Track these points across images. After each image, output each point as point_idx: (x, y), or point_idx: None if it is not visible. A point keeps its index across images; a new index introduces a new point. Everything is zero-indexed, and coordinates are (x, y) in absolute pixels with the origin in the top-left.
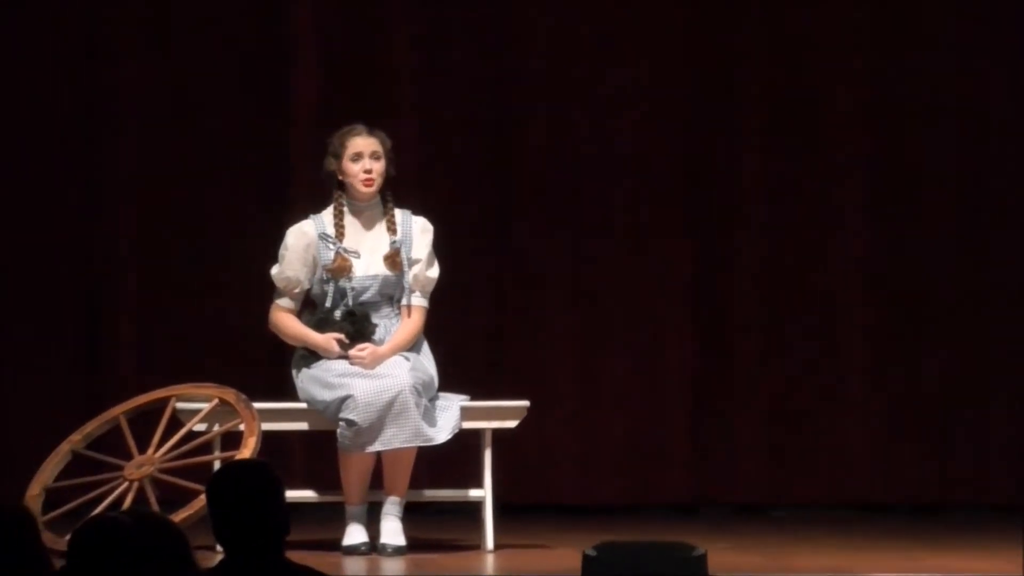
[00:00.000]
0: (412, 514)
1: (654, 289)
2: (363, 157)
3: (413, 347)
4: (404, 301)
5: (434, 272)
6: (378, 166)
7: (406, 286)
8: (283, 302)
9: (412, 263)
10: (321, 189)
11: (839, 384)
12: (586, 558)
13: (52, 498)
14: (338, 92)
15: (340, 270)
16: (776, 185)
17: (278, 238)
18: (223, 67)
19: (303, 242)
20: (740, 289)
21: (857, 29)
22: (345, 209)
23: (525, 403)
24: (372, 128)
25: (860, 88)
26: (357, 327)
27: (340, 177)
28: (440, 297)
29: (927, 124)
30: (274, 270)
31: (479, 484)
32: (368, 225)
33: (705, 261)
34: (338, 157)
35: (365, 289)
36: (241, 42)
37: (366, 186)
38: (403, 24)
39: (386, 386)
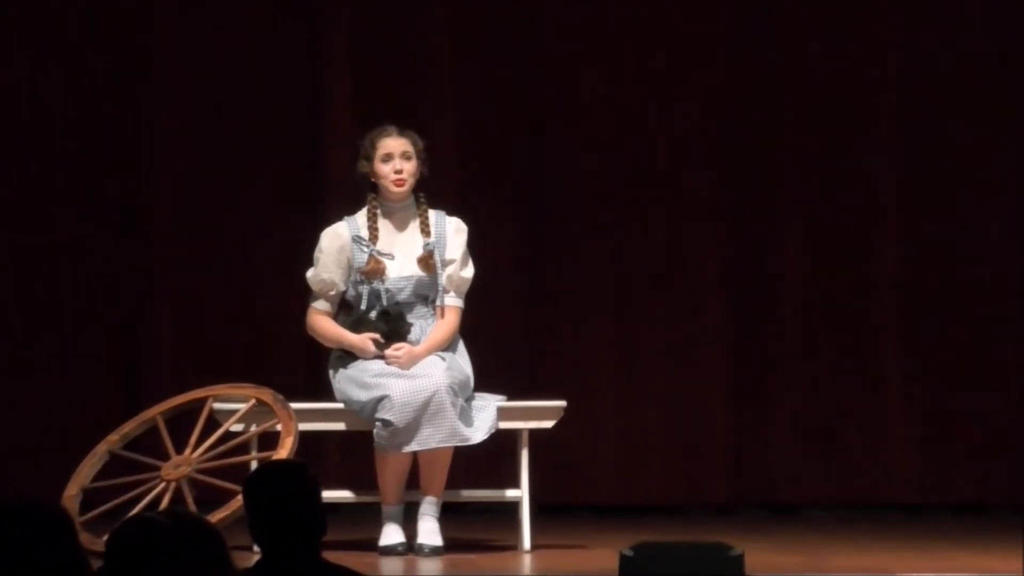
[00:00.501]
0: (449, 514)
1: (691, 289)
2: (394, 157)
3: (449, 347)
4: (438, 302)
5: (468, 272)
6: (409, 166)
7: (440, 287)
8: (319, 304)
9: (446, 264)
10: (356, 191)
11: (876, 384)
12: (623, 558)
13: (89, 499)
14: (373, 94)
15: (373, 272)
16: (815, 183)
17: (315, 240)
18: (257, 71)
19: (337, 244)
20: (778, 290)
21: (894, 22)
22: (378, 211)
23: (562, 403)
24: (403, 128)
25: (899, 80)
26: (392, 327)
27: (372, 179)
28: (476, 297)
29: (966, 117)
30: (309, 273)
31: (516, 484)
32: (401, 226)
33: (742, 262)
34: (369, 159)
35: (399, 290)
36: (275, 45)
37: (397, 186)
38: (439, 26)
39: (422, 386)
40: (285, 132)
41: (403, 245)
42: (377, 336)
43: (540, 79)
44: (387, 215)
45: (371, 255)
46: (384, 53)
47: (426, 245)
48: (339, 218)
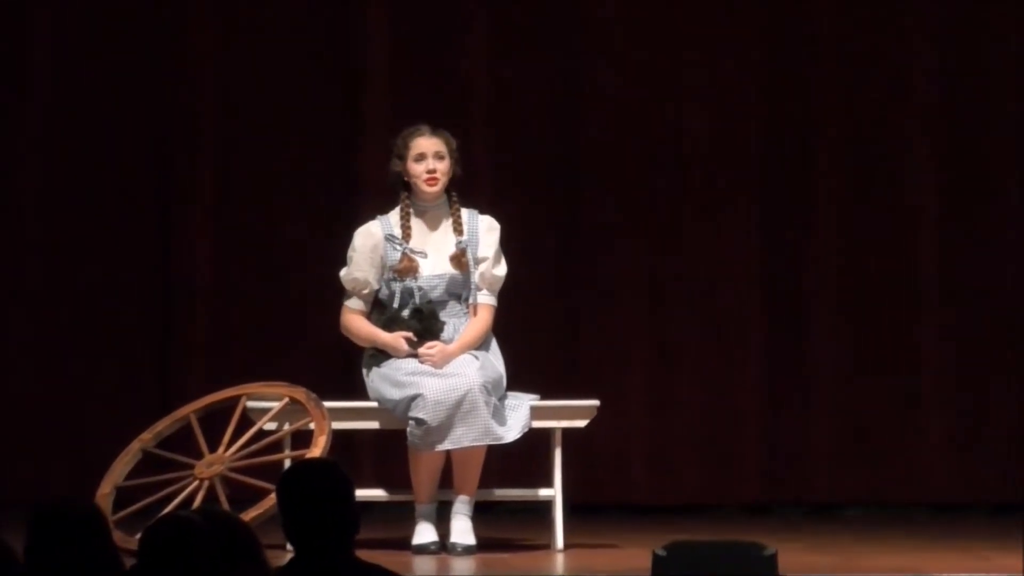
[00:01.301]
0: (482, 513)
1: (726, 288)
2: (427, 157)
3: (482, 345)
4: (471, 300)
5: (501, 270)
6: (442, 165)
7: (473, 285)
8: (352, 303)
9: (478, 262)
10: (389, 191)
11: (911, 383)
12: (656, 558)
13: (122, 497)
14: (408, 94)
15: (406, 271)
16: (851, 180)
17: (349, 239)
18: (294, 68)
19: (370, 243)
20: (813, 288)
21: (932, 24)
22: (411, 210)
23: (595, 402)
24: (436, 128)
25: (937, 81)
26: (425, 325)
27: (405, 178)
28: (510, 295)
29: (1004, 118)
30: (343, 272)
31: (549, 483)
32: (434, 225)
33: (778, 259)
34: (402, 158)
35: (432, 288)
36: (312, 43)
37: (429, 185)
38: (475, 24)
39: (455, 385)
40: (320, 132)
41: (436, 243)
42: (410, 335)
43: (574, 76)
44: (420, 214)
45: (404, 253)
46: (422, 53)
47: (459, 243)
48: (372, 217)
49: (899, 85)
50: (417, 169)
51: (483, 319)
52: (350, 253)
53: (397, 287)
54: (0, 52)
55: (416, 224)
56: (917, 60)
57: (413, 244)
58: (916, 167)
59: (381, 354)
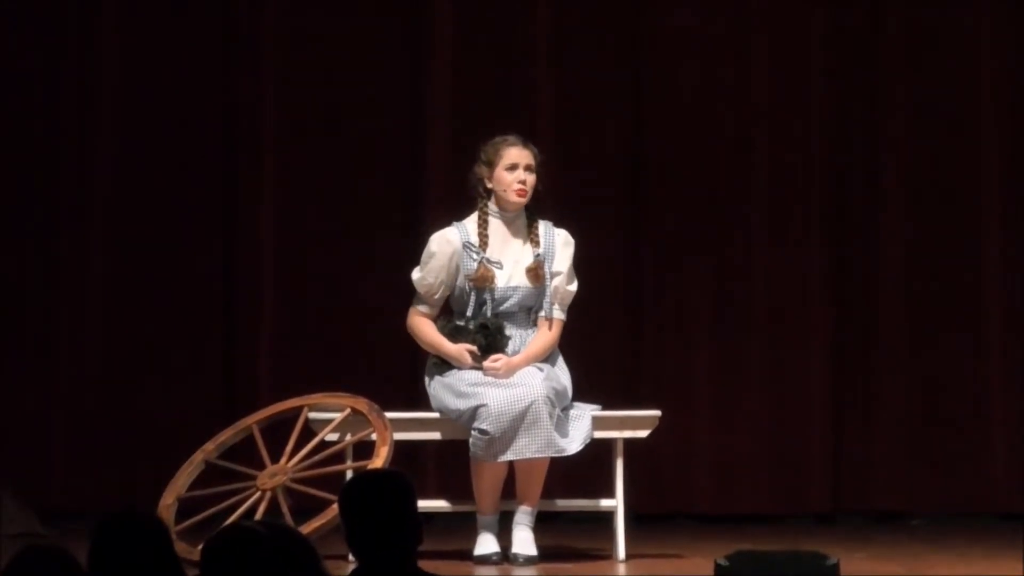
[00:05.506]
0: (544, 523)
1: (792, 297)
2: (518, 168)
3: (548, 358)
4: (544, 313)
5: (574, 287)
6: (531, 178)
7: (546, 298)
8: (422, 307)
9: (553, 276)
10: (457, 198)
11: (981, 390)
12: (718, 567)
13: (185, 507)
14: (474, 100)
15: (482, 279)
16: (916, 194)
17: (415, 248)
18: (360, 74)
19: (447, 250)
20: (879, 297)
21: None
22: (489, 218)
23: (656, 412)
24: (525, 140)
25: (1003, 85)
26: (490, 340)
27: (489, 185)
28: (575, 305)
29: None
30: (416, 275)
31: (611, 493)
32: (511, 235)
33: (845, 267)
34: (491, 165)
35: (506, 299)
36: (378, 49)
37: (519, 196)
38: (540, 32)
39: (519, 396)
40: (388, 140)
41: (512, 254)
42: (474, 348)
43: (640, 90)
44: (497, 223)
45: (481, 262)
46: (487, 59)
47: (536, 256)
48: (446, 223)
49: (968, 85)
50: (508, 179)
51: (553, 334)
52: (425, 257)
53: (471, 297)
54: (68, 55)
55: (493, 233)
56: (986, 70)
57: (489, 253)
58: (984, 182)
59: (444, 363)
